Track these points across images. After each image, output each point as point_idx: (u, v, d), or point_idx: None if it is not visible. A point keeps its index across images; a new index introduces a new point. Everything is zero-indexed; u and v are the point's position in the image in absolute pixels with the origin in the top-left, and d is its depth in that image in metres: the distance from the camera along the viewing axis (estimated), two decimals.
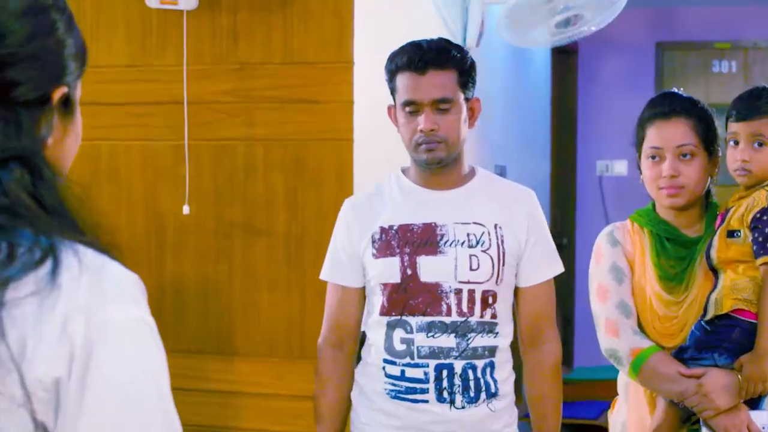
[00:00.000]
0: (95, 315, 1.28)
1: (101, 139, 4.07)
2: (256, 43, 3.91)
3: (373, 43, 3.93)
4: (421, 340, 2.97)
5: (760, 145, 2.89)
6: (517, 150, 6.82)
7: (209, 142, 3.97)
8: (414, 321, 2.98)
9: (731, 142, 2.95)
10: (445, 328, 2.96)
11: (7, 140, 1.31)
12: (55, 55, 1.41)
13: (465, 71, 2.98)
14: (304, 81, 3.85)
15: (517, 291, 3.09)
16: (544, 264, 3.09)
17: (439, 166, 3.00)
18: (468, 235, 2.98)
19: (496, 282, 2.99)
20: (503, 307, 3.03)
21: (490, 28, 5.17)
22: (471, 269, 2.96)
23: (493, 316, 3.00)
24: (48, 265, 1.26)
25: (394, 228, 3.02)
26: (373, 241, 3.03)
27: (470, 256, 2.97)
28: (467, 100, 3.01)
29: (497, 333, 3.01)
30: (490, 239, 2.99)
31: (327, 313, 3.18)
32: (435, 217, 3.00)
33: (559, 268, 3.13)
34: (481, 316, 2.98)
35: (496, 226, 3.01)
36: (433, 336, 2.96)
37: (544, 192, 7.76)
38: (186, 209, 3.94)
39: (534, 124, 7.50)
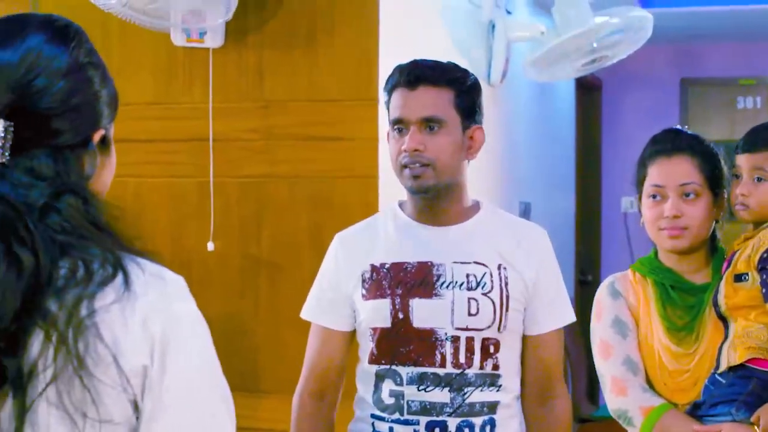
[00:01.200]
0: (166, 312, 1.61)
1: (127, 175, 4.09)
2: (282, 80, 3.93)
3: None
4: (411, 393, 2.65)
5: (759, 180, 2.73)
6: (541, 186, 6.80)
7: (234, 179, 3.98)
8: (404, 371, 2.66)
9: (734, 177, 2.80)
10: (438, 381, 2.64)
11: (60, 177, 1.58)
12: (92, 105, 1.68)
13: (463, 92, 2.70)
14: (329, 118, 3.87)
15: (523, 340, 2.77)
16: (555, 311, 2.78)
17: (428, 195, 2.69)
18: (468, 276, 2.67)
19: (499, 329, 2.67)
20: (508, 357, 2.72)
21: (515, 65, 5.18)
22: (470, 314, 2.65)
23: (495, 367, 2.68)
24: (120, 276, 1.56)
25: (387, 266, 2.71)
26: (363, 281, 2.72)
27: (469, 299, 2.65)
28: (466, 126, 2.70)
29: (500, 386, 2.69)
30: (492, 281, 2.67)
31: (307, 358, 2.88)
32: (431, 256, 2.69)
33: (569, 317, 2.82)
34: (481, 367, 2.66)
35: (500, 266, 2.69)
36: (424, 389, 2.65)
37: (569, 228, 7.74)
38: (211, 246, 3.95)
39: (558, 161, 7.49)
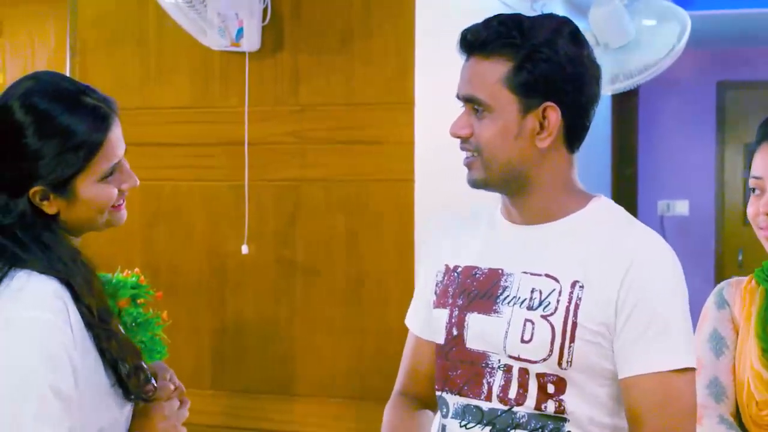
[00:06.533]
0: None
1: (163, 179, 4.11)
2: (317, 84, 3.93)
3: (433, 85, 3.93)
4: (452, 429, 2.17)
5: None
6: None
7: (270, 182, 3.99)
8: (451, 401, 2.18)
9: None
10: (480, 417, 2.13)
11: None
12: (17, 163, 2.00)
13: (526, 62, 2.07)
14: (365, 122, 3.87)
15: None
16: (651, 347, 2.04)
17: (485, 190, 2.20)
18: (533, 291, 2.10)
19: (560, 363, 2.06)
20: (582, 401, 2.08)
21: None
22: (522, 340, 2.08)
23: (560, 410, 2.07)
24: None
25: (459, 270, 2.23)
26: (436, 284, 2.27)
27: (525, 321, 2.09)
28: (530, 107, 2.09)
29: None
30: (558, 301, 2.07)
31: (402, 359, 2.44)
32: (503, 262, 2.17)
33: (680, 359, 2.04)
34: (538, 408, 2.08)
35: (575, 284, 2.08)
36: (465, 426, 2.16)
37: None
38: (245, 249, 3.96)
39: (595, 165, 7.47)
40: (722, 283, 2.46)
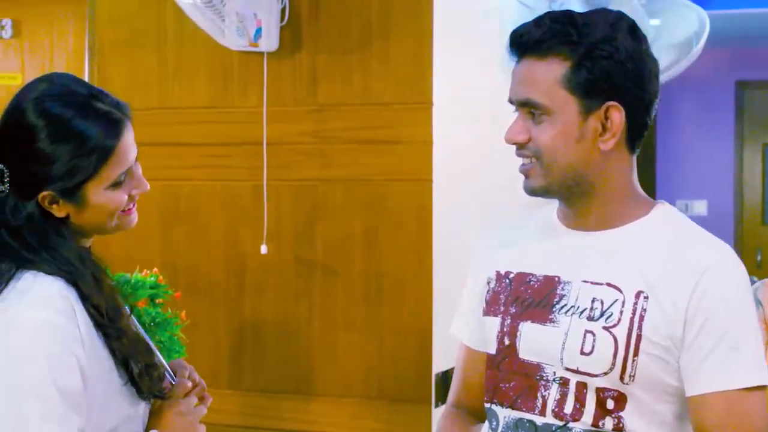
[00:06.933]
0: (3, 312, 1.93)
1: (182, 179, 4.12)
2: (336, 84, 3.93)
3: (451, 84, 3.93)
4: None
5: None
6: None
7: (288, 182, 4.00)
8: (502, 414, 2.08)
9: None
10: None
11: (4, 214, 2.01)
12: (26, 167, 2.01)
13: (586, 61, 1.97)
14: (383, 122, 3.87)
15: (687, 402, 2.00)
16: (721, 364, 1.94)
17: (544, 197, 2.10)
18: (593, 301, 2.00)
19: (622, 378, 1.96)
20: (642, 419, 1.98)
21: None
22: (582, 352, 1.98)
23: (618, 428, 1.97)
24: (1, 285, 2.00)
25: (511, 276, 2.13)
26: (487, 291, 2.17)
27: (585, 332, 1.99)
28: (591, 108, 2.00)
29: None
30: (622, 312, 1.97)
31: (454, 370, 2.36)
32: (561, 269, 2.07)
33: (751, 377, 1.94)
34: (595, 425, 1.97)
35: (640, 294, 1.97)
36: None
37: None
38: (264, 249, 3.96)
39: None
40: (756, 283, 2.43)
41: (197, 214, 4.13)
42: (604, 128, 2.01)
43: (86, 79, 4.24)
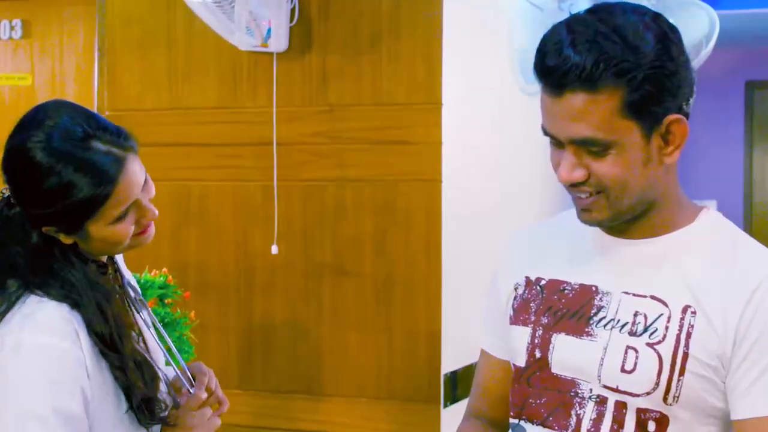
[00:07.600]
0: (9, 336, 1.97)
1: (192, 179, 4.12)
2: (346, 84, 3.93)
3: (461, 85, 3.93)
4: None
5: None
6: None
7: (298, 183, 4.00)
8: (531, 431, 1.96)
9: None
10: None
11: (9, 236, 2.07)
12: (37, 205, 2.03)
13: (640, 84, 1.77)
14: (393, 122, 3.86)
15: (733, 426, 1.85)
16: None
17: (604, 226, 1.95)
18: (636, 315, 1.86)
19: (665, 399, 1.82)
20: None
21: None
22: (623, 370, 1.84)
23: None
24: (4, 307, 2.03)
25: (542, 283, 2.00)
26: (515, 297, 2.05)
27: (627, 348, 1.85)
28: (653, 126, 1.83)
29: None
30: (667, 328, 1.83)
31: (474, 378, 2.25)
32: (598, 278, 1.93)
33: None
34: None
35: (687, 309, 1.83)
36: None
37: None
38: (274, 249, 3.96)
39: None
40: None
41: (207, 215, 4.13)
42: (666, 141, 1.87)
43: (96, 79, 4.25)
